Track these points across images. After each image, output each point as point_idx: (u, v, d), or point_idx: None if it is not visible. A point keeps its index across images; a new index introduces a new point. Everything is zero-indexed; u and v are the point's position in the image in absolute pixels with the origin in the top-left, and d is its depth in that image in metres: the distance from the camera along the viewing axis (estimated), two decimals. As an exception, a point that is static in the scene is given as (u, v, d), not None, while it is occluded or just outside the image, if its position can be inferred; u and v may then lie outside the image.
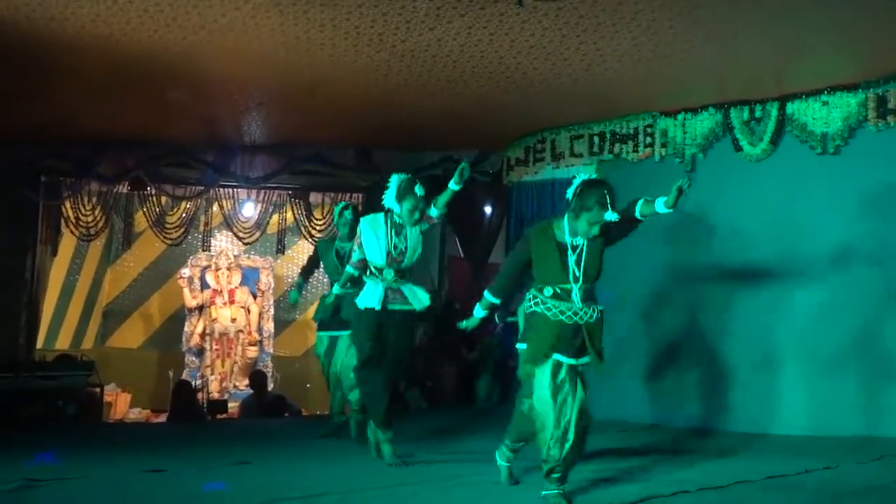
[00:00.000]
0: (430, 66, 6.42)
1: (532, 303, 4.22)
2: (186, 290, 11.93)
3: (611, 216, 4.02)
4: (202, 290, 12.03)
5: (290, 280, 12.83)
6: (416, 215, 5.25)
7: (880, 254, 6.34)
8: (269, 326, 12.29)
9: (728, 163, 7.04)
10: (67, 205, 10.06)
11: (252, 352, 12.08)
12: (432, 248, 9.85)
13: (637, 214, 4.14)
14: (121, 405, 10.93)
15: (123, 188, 10.21)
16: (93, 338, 12.07)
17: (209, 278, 12.05)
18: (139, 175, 9.91)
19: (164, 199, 10.56)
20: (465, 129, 8.59)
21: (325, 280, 8.81)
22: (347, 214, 6.48)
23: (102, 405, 9.51)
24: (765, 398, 6.69)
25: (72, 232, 10.27)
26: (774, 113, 6.84)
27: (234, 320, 11.99)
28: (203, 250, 12.02)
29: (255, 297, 12.28)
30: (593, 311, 4.19)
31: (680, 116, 7.34)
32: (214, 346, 11.87)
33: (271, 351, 12.23)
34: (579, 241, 4.16)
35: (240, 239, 11.22)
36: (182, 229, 10.83)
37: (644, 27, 5.54)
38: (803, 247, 6.61)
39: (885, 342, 6.26)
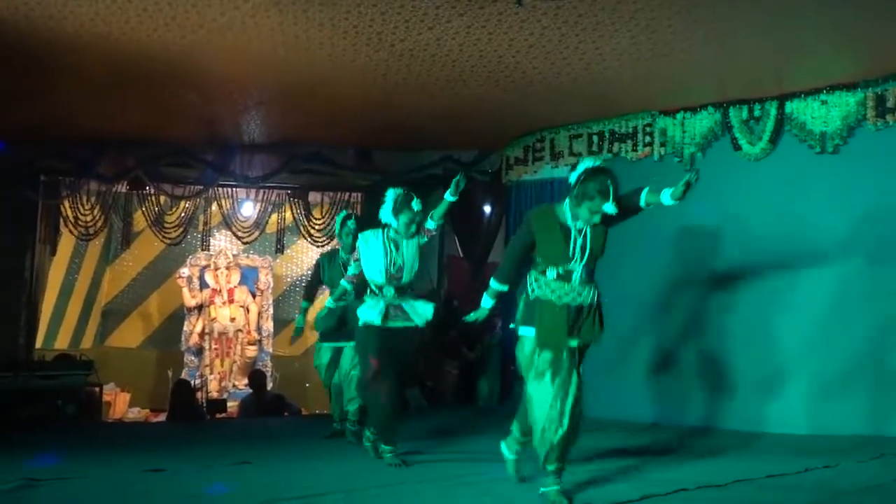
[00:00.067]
0: (429, 65, 6.42)
1: (535, 286, 4.20)
2: (185, 290, 11.93)
3: (610, 209, 4.02)
4: (201, 289, 12.04)
5: (289, 279, 12.86)
6: (413, 228, 5.25)
7: (880, 253, 6.34)
8: (269, 326, 12.30)
9: (727, 162, 7.04)
10: (66, 204, 10.06)
11: (251, 351, 12.08)
12: (431, 248, 9.84)
13: (642, 204, 4.14)
14: (120, 405, 10.93)
15: (122, 188, 10.21)
16: (92, 337, 12.08)
17: (208, 278, 12.06)
18: (138, 174, 9.91)
19: (163, 198, 10.57)
20: (464, 128, 8.59)
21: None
22: (350, 224, 6.38)
23: (101, 405, 9.52)
24: (765, 397, 6.69)
25: (71, 231, 10.28)
26: (773, 112, 6.84)
27: (233, 319, 12.00)
28: (202, 250, 12.03)
29: (254, 296, 12.28)
30: (593, 291, 4.19)
31: (679, 115, 7.35)
32: (213, 346, 11.88)
33: (270, 350, 12.23)
34: (581, 224, 4.16)
35: (239, 238, 11.23)
36: (181, 229, 10.83)
37: (643, 26, 5.54)
38: (802, 246, 6.60)
39: (885, 341, 6.26)
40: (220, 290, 12.04)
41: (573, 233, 4.15)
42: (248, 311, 12.18)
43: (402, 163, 9.86)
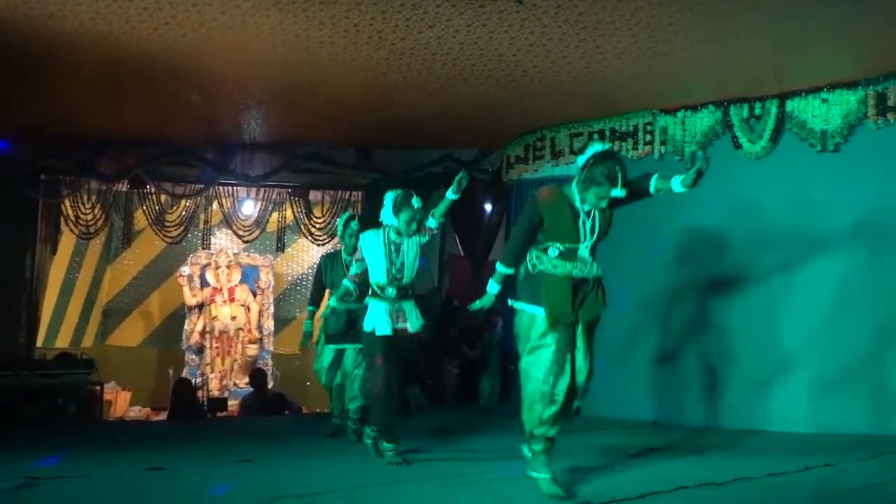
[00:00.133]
0: (430, 64, 6.42)
1: (537, 262, 4.18)
2: (186, 289, 11.93)
3: (618, 193, 4.02)
4: (202, 288, 12.04)
5: (290, 278, 12.86)
6: (414, 226, 5.25)
7: (880, 251, 6.34)
8: (269, 324, 12.30)
9: (727, 160, 7.02)
10: (67, 203, 10.06)
11: (252, 349, 12.09)
12: (432, 246, 9.84)
13: (651, 190, 4.15)
14: (121, 403, 10.94)
15: (123, 186, 10.21)
16: (93, 336, 12.08)
17: (209, 276, 12.06)
18: (139, 173, 9.92)
19: (163, 197, 10.58)
20: (465, 126, 8.58)
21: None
22: (354, 225, 6.35)
23: (102, 403, 9.52)
24: (765, 395, 6.70)
25: (71, 230, 10.28)
26: (774, 110, 6.83)
27: (233, 318, 12.00)
28: (203, 248, 12.04)
29: (254, 294, 12.29)
30: (596, 265, 4.19)
31: (680, 114, 7.34)
32: (214, 344, 11.88)
33: (271, 349, 12.25)
34: (589, 206, 4.15)
35: (239, 237, 11.23)
36: (182, 227, 10.84)
37: (643, 24, 5.53)
38: (802, 245, 6.60)
39: (886, 340, 6.26)
40: (221, 289, 12.04)
41: (581, 215, 4.15)
42: (248, 309, 12.18)
43: (402, 161, 9.86)
